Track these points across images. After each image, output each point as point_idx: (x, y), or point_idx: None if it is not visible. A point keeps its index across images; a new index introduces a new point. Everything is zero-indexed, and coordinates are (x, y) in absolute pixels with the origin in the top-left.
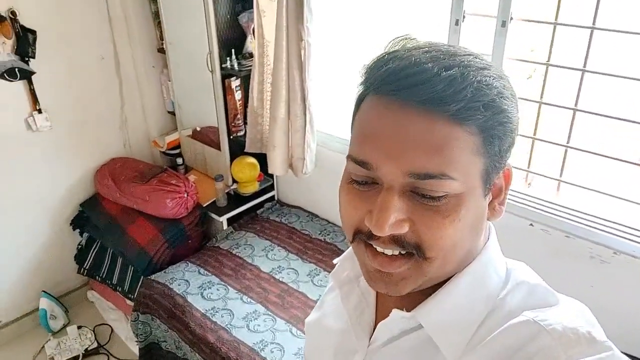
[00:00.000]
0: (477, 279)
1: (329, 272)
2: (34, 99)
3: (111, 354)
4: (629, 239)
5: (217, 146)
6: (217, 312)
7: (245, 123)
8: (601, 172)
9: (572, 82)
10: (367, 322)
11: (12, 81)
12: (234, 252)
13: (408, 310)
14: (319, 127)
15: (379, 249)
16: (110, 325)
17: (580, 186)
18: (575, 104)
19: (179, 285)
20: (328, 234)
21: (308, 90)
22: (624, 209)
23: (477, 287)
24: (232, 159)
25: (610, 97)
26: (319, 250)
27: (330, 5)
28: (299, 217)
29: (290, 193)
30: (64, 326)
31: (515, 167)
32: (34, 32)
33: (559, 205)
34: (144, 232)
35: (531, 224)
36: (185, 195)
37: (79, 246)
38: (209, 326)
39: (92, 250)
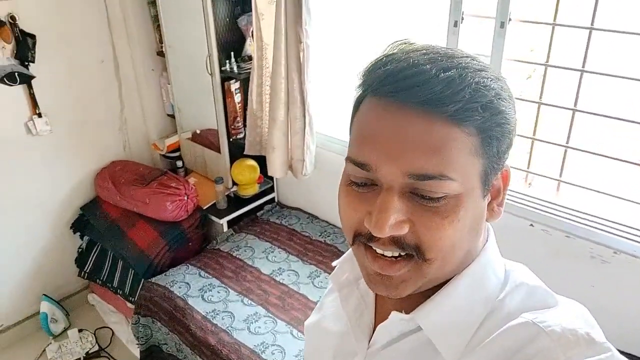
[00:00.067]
0: (476, 280)
1: (330, 273)
2: (34, 103)
3: (112, 357)
4: (629, 239)
5: (217, 149)
6: (217, 314)
7: (244, 125)
8: (601, 172)
9: (571, 82)
10: (367, 324)
11: (11, 85)
12: (234, 254)
13: (407, 312)
14: (318, 128)
15: (378, 250)
16: (111, 328)
17: (580, 186)
18: (575, 104)
19: (180, 287)
20: (328, 236)
21: (307, 92)
22: (624, 208)
23: (476, 288)
24: (232, 162)
25: (609, 97)
26: (319, 251)
27: (329, 7)
28: (299, 218)
29: (290, 195)
30: (65, 329)
31: (515, 168)
32: (33, 37)
33: (559, 206)
34: (145, 235)
35: (531, 225)
36: (186, 198)
37: (80, 249)
38: (210, 329)
39: (92, 254)
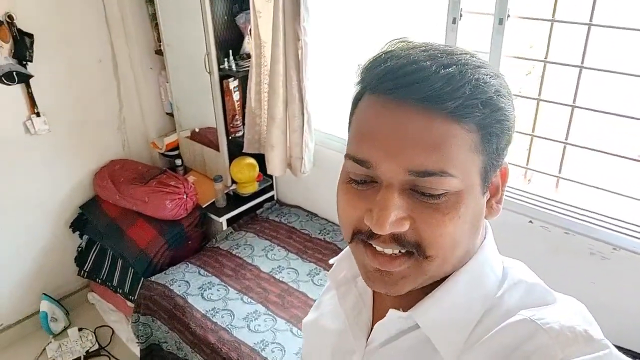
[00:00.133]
0: (475, 277)
1: (329, 271)
2: (32, 103)
3: (112, 356)
4: (629, 235)
5: (216, 147)
6: (217, 312)
7: (243, 124)
8: (600, 168)
9: (570, 78)
10: (365, 322)
11: (10, 85)
12: (233, 252)
13: (405, 310)
14: (316, 126)
15: (378, 248)
16: (111, 327)
17: (579, 182)
18: (574, 101)
19: (179, 286)
20: (328, 233)
21: (305, 90)
22: (624, 204)
23: (474, 286)
24: (231, 160)
25: (609, 94)
26: (318, 249)
27: (327, 4)
28: (298, 216)
29: (290, 193)
30: (65, 328)
31: (514, 164)
32: (31, 36)
33: (559, 202)
34: (144, 234)
35: (531, 221)
36: (185, 197)
37: (79, 248)
38: (210, 327)
39: (92, 253)
